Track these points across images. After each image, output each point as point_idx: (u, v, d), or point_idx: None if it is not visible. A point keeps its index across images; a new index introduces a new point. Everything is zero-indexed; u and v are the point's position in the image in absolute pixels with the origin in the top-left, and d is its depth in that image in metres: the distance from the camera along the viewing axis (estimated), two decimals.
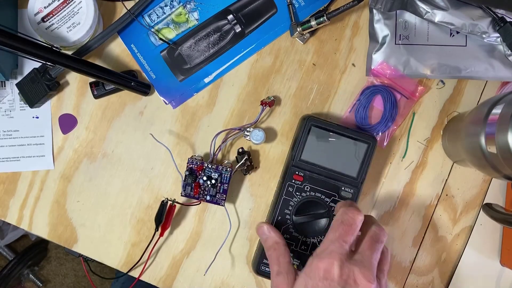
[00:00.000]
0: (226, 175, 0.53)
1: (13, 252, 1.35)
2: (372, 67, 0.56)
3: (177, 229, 0.57)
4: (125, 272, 0.57)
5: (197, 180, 0.53)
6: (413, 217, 0.58)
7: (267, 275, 0.53)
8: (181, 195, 0.54)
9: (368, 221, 0.45)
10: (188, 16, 0.57)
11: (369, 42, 0.57)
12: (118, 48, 0.57)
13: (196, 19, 0.57)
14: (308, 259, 0.43)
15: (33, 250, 1.35)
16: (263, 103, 0.55)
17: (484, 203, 0.52)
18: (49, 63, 0.50)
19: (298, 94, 0.57)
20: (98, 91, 0.56)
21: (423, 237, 0.58)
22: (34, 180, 0.57)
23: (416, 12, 0.53)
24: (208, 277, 0.57)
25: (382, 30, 0.56)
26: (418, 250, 0.58)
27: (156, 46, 0.57)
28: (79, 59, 0.52)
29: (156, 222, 0.54)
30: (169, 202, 0.54)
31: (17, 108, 0.57)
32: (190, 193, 0.53)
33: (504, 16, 0.52)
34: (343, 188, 0.53)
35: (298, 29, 0.55)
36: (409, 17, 0.55)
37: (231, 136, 0.56)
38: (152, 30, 0.57)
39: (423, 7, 0.52)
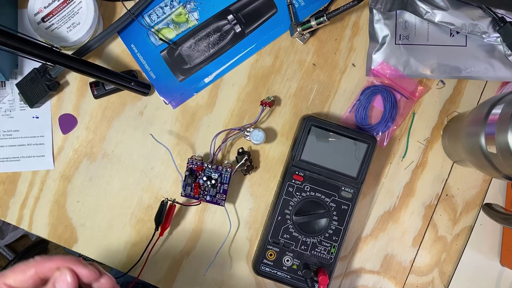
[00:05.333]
0: (226, 175, 0.53)
1: (13, 252, 1.35)
2: (372, 67, 0.56)
3: (177, 229, 0.57)
4: (125, 272, 0.57)
5: (197, 180, 0.53)
6: (413, 217, 0.58)
7: (267, 275, 0.53)
8: (181, 195, 0.54)
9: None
10: (188, 16, 0.57)
11: (369, 42, 0.57)
12: (118, 48, 0.57)
13: (196, 19, 0.57)
14: None
15: (33, 250, 1.35)
16: (263, 103, 0.55)
17: (484, 203, 0.52)
18: (49, 63, 0.50)
19: (298, 94, 0.57)
20: (98, 91, 0.56)
21: (423, 237, 0.58)
22: (34, 180, 0.57)
23: (416, 12, 0.53)
24: (208, 277, 0.57)
25: (382, 30, 0.56)
26: (418, 250, 0.58)
27: (156, 46, 0.57)
28: (79, 59, 0.52)
29: (156, 222, 0.54)
30: (169, 202, 0.54)
31: (17, 108, 0.57)
32: (190, 193, 0.53)
33: (504, 16, 0.52)
34: (343, 188, 0.53)
35: (298, 29, 0.55)
36: (409, 17, 0.55)
37: (231, 136, 0.56)
38: (152, 30, 0.57)
39: (423, 7, 0.52)
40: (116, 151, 0.57)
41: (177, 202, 0.54)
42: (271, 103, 0.55)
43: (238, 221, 0.57)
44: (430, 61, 0.55)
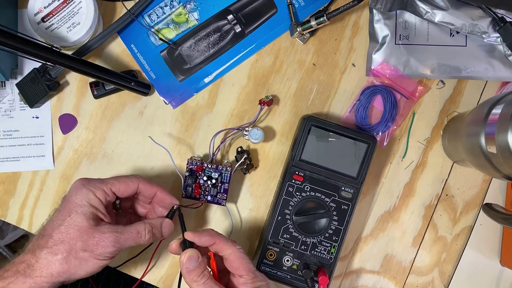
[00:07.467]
0: (226, 174, 0.53)
1: (13, 252, 1.35)
2: (372, 67, 0.56)
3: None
4: (125, 272, 0.57)
5: (197, 181, 0.53)
6: (413, 217, 0.58)
7: (267, 275, 0.53)
8: (182, 197, 0.54)
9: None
10: (188, 16, 0.57)
11: (369, 42, 0.57)
12: (118, 48, 0.57)
13: (196, 19, 0.57)
14: None
15: None
16: (261, 102, 0.55)
17: (484, 203, 0.52)
18: (49, 63, 0.50)
19: (298, 94, 0.57)
20: (98, 91, 0.56)
21: (423, 237, 0.58)
22: (34, 180, 0.57)
23: (416, 12, 0.53)
24: None
25: (382, 30, 0.56)
26: (418, 250, 0.58)
27: (156, 46, 0.57)
28: (79, 59, 0.52)
29: None
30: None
31: (17, 108, 0.57)
32: (191, 194, 0.53)
33: (504, 16, 0.52)
34: (343, 188, 0.53)
35: (298, 29, 0.55)
36: (409, 17, 0.55)
37: (230, 136, 0.56)
38: (152, 30, 0.57)
39: (423, 7, 0.52)
40: (116, 151, 0.57)
41: (180, 205, 0.54)
42: (269, 102, 0.55)
43: (239, 221, 0.57)
44: (430, 61, 0.55)
